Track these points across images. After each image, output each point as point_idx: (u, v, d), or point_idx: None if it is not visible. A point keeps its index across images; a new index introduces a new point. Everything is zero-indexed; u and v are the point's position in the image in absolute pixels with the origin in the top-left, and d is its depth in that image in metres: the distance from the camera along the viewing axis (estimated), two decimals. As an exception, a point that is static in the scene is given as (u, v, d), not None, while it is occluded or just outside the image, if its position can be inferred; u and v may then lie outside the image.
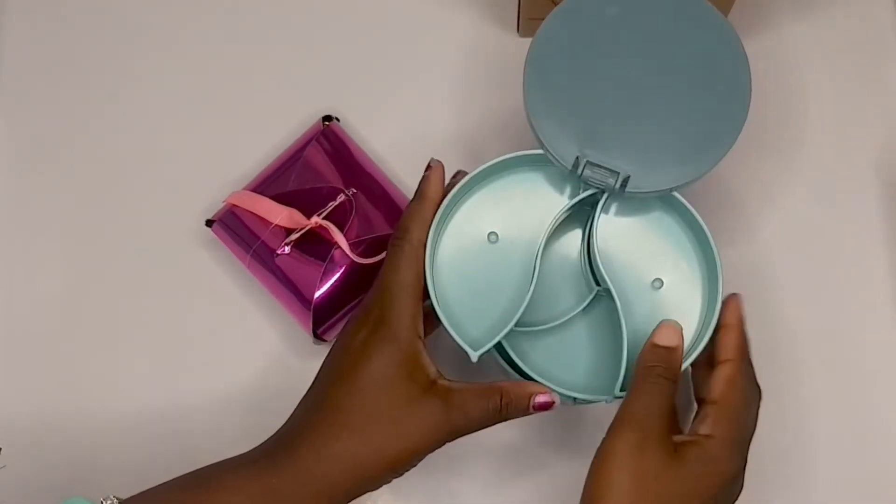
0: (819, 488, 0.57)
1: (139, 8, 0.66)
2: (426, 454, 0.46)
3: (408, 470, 0.46)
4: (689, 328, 0.48)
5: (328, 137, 0.61)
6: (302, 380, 0.59)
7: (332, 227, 0.57)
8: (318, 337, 0.58)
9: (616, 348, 0.48)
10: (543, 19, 0.60)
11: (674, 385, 0.44)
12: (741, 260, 0.59)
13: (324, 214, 0.58)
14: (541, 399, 0.46)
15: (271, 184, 0.60)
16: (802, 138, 0.62)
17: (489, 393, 0.46)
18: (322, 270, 0.57)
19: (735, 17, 0.60)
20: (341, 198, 0.59)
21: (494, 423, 0.46)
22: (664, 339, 0.45)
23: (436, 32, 0.65)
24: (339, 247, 0.57)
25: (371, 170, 0.61)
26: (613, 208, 0.50)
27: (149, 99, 0.65)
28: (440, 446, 0.46)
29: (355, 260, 0.57)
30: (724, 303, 0.47)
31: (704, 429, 0.45)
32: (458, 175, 0.51)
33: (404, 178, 0.62)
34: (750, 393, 0.46)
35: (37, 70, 0.66)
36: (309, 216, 0.58)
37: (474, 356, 0.47)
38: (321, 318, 0.58)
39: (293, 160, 0.60)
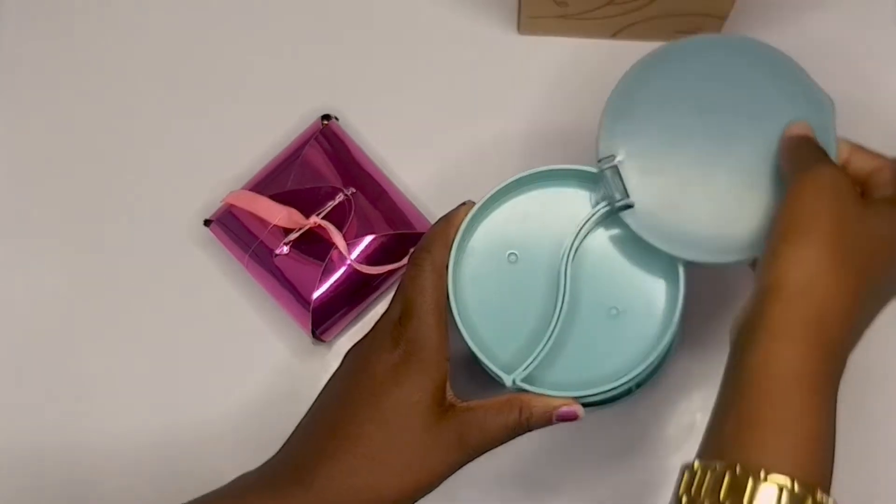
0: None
1: (136, 7, 0.66)
2: (446, 479, 0.45)
3: (425, 496, 0.45)
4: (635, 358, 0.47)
5: (327, 136, 0.61)
6: (300, 380, 0.59)
7: (331, 228, 0.57)
8: (317, 337, 0.58)
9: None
10: (544, 18, 0.61)
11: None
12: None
13: (322, 214, 0.58)
14: (564, 410, 0.45)
15: (270, 183, 0.59)
16: None
17: (508, 408, 0.44)
18: (321, 270, 0.57)
19: (734, 19, 0.60)
20: (340, 197, 0.58)
21: (515, 437, 0.45)
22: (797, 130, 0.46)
23: (435, 30, 0.64)
24: (338, 247, 0.57)
25: (370, 169, 0.60)
26: (606, 227, 0.50)
27: (147, 98, 0.64)
28: (460, 468, 0.45)
29: (351, 261, 0.57)
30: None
31: (882, 192, 0.44)
32: (466, 205, 0.50)
33: (404, 177, 0.62)
34: None
35: (34, 71, 0.65)
36: (308, 216, 0.58)
37: (508, 380, 0.46)
38: (320, 318, 0.58)
39: (292, 159, 0.60)
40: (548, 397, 0.45)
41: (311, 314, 0.57)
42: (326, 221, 0.57)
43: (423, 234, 0.58)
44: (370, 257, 0.58)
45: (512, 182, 0.49)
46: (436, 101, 0.63)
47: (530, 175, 0.49)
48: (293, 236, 0.58)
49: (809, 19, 0.63)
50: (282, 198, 0.58)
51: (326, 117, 0.61)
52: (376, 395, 0.44)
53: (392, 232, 0.58)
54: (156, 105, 0.64)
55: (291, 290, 0.58)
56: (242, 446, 0.58)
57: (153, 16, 0.66)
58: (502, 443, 0.45)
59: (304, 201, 0.58)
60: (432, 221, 0.59)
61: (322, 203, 0.58)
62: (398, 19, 0.65)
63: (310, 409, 0.48)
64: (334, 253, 0.57)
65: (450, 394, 0.45)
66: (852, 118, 0.60)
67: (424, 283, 0.46)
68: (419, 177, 0.62)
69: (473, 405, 0.45)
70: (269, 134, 0.62)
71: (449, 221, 0.48)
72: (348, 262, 0.57)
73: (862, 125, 0.61)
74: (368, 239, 0.58)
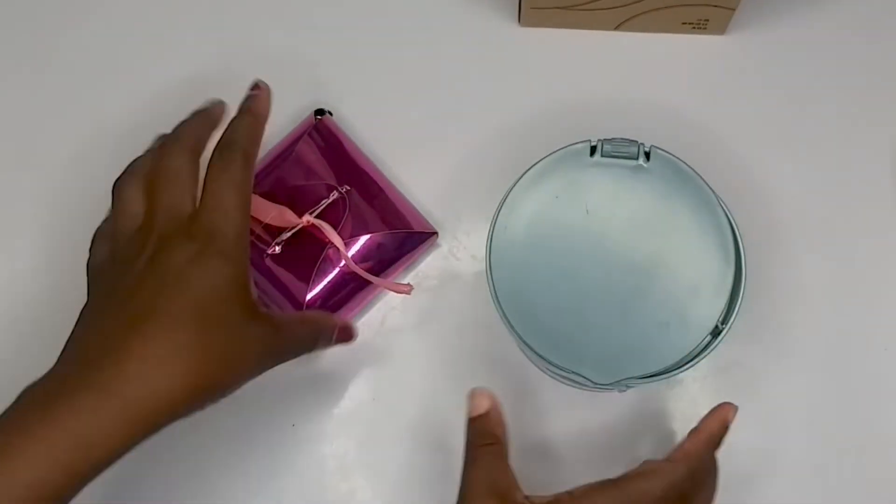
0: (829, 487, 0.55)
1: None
2: (252, 379, 0.43)
3: (229, 392, 0.43)
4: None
5: (320, 132, 0.58)
6: (290, 382, 0.57)
7: (326, 226, 0.55)
8: None
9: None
10: (546, 9, 0.59)
11: (499, 446, 0.45)
12: (757, 256, 0.57)
13: (316, 213, 0.56)
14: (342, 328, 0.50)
15: (261, 180, 0.57)
16: (817, 133, 0.60)
17: (308, 322, 0.48)
18: (314, 271, 0.55)
19: (746, 9, 0.58)
20: (334, 195, 0.56)
21: (308, 352, 0.47)
22: (474, 410, 0.46)
23: (433, 22, 0.62)
24: (333, 245, 0.55)
25: (365, 166, 0.58)
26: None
27: (131, 89, 0.62)
28: (262, 373, 0.44)
29: (348, 261, 0.55)
30: (714, 410, 0.47)
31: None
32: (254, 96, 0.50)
33: (401, 174, 0.60)
34: (664, 494, 0.43)
35: (10, 58, 0.63)
36: (300, 214, 0.55)
37: (606, 380, 0.46)
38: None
39: (284, 156, 0.58)
40: (332, 315, 0.50)
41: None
42: (320, 220, 0.55)
43: (420, 233, 0.57)
44: (366, 257, 0.56)
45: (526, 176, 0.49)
46: (434, 95, 0.61)
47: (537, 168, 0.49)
48: (285, 236, 0.55)
49: (821, 11, 0.61)
50: (273, 195, 0.56)
51: (320, 112, 0.59)
52: (181, 285, 0.41)
53: (389, 231, 0.56)
54: (141, 96, 0.62)
55: (283, 291, 0.56)
56: (225, 448, 0.56)
57: (142, 8, 0.64)
58: (298, 355, 0.46)
59: (297, 199, 0.56)
60: (430, 220, 0.59)
61: (315, 201, 0.56)
62: (395, 10, 0.63)
63: (90, 300, 0.44)
64: (329, 252, 0.55)
65: (255, 293, 0.44)
66: (869, 111, 0.60)
67: (234, 177, 0.44)
68: (417, 173, 0.60)
69: (278, 314, 0.47)
70: (261, 129, 0.60)
71: (255, 115, 0.47)
72: (344, 262, 0.55)
73: (878, 118, 0.60)
74: (364, 238, 0.56)
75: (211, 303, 0.41)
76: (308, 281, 0.55)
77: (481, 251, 0.56)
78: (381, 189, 0.58)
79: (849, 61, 0.61)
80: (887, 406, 0.56)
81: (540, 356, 0.47)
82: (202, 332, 0.41)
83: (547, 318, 0.47)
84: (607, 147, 0.49)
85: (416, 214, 0.58)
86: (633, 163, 0.48)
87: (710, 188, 0.48)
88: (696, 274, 0.47)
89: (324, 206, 0.56)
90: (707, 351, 0.47)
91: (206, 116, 0.50)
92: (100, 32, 0.64)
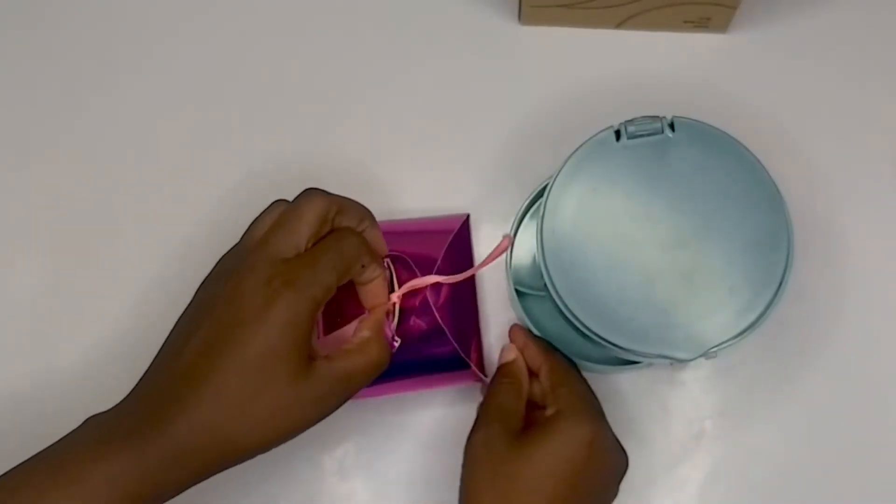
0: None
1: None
2: (313, 426, 0.43)
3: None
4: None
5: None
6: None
7: (416, 282, 0.50)
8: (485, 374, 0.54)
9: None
10: (547, 7, 0.58)
11: (518, 384, 0.49)
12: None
13: (394, 286, 0.50)
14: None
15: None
16: (819, 131, 0.59)
17: (366, 345, 0.45)
18: (436, 325, 0.50)
19: (748, 7, 0.59)
20: (386, 263, 0.50)
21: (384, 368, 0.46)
22: (502, 359, 0.51)
23: (432, 21, 0.61)
24: (428, 288, 0.50)
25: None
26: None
27: (136, 97, 0.61)
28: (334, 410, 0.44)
29: (453, 279, 0.51)
30: (510, 335, 0.52)
31: (548, 411, 0.47)
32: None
33: (398, 174, 0.59)
34: (573, 374, 0.50)
35: (13, 64, 0.62)
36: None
37: (692, 355, 0.46)
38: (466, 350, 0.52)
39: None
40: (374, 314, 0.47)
41: (473, 362, 0.52)
42: (403, 288, 0.50)
43: (461, 226, 0.55)
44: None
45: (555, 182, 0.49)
46: (434, 95, 0.60)
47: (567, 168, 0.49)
48: (394, 324, 0.49)
49: (823, 9, 0.61)
50: (331, 309, 0.49)
51: None
52: (242, 342, 0.41)
53: (445, 247, 0.53)
54: (145, 105, 0.60)
55: (437, 363, 0.52)
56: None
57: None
58: (372, 379, 0.45)
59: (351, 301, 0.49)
60: (440, 214, 0.57)
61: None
62: (394, 9, 0.61)
63: (169, 339, 0.44)
64: (427, 296, 0.51)
65: (314, 343, 0.44)
66: (870, 113, 0.61)
67: (344, 251, 0.44)
68: (416, 175, 0.59)
69: (334, 355, 0.44)
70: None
71: (375, 263, 0.47)
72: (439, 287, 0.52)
73: (880, 120, 0.61)
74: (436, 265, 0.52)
75: (271, 357, 0.41)
76: (443, 335, 0.50)
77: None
78: (398, 229, 0.55)
79: (851, 59, 0.60)
80: (890, 408, 0.56)
81: (622, 348, 0.47)
82: (253, 397, 0.41)
83: (614, 309, 0.47)
84: (631, 128, 0.49)
85: (440, 220, 0.56)
86: (659, 137, 0.49)
87: (740, 143, 0.48)
88: (751, 231, 0.47)
89: (393, 276, 0.50)
90: (775, 303, 0.47)
91: (366, 215, 0.48)
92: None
